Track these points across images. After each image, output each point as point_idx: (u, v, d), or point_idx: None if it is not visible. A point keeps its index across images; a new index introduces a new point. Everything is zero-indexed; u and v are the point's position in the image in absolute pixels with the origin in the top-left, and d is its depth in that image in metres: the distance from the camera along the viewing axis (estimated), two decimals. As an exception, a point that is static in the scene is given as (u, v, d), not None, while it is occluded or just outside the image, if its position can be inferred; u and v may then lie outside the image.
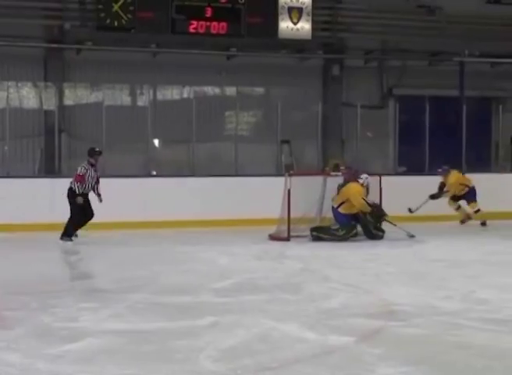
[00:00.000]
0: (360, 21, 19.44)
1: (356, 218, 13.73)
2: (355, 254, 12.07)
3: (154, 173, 17.12)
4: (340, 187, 13.99)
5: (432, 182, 16.08)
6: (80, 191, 13.35)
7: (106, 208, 13.28)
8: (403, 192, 15.35)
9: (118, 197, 14.21)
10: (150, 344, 6.31)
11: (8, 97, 16.96)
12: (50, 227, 14.22)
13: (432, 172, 16.85)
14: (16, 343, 6.28)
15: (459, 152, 18.53)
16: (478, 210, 15.94)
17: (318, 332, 6.65)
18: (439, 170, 16.12)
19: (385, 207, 14.07)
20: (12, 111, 16.81)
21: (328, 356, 5.99)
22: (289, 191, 13.72)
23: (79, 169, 13.59)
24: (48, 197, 14.76)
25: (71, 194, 13.39)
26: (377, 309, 7.76)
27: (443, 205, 15.94)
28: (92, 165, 13.67)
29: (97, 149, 13.99)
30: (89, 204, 13.48)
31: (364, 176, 14.01)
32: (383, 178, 14.79)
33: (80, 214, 13.39)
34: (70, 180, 13.55)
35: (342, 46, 19.88)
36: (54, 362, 5.74)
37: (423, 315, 7.39)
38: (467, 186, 16.08)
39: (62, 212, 13.64)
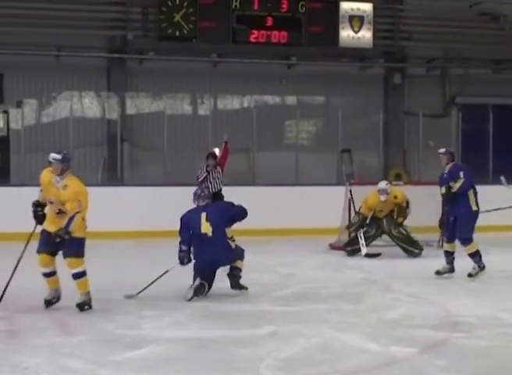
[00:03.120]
0: (422, 29, 19.27)
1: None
2: (418, 264, 11.93)
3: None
4: None
5: (495, 192, 15.79)
6: None
7: (167, 216, 13.31)
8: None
9: (178, 205, 14.23)
10: (211, 352, 6.32)
11: (71, 106, 17.19)
12: (113, 235, 14.37)
13: (495, 182, 16.57)
14: (79, 349, 6.34)
15: (523, 162, 18.23)
16: None
17: (379, 343, 6.59)
18: None
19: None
20: (76, 120, 17.02)
21: (390, 367, 5.93)
22: (349, 201, 13.64)
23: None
24: (111, 205, 14.89)
25: None
26: (440, 320, 7.67)
27: (505, 216, 15.64)
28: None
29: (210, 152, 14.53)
30: None
31: (383, 183, 13.37)
32: (446, 187, 14.58)
33: None
34: (132, 188, 13.70)
35: (403, 54, 19.74)
36: (116, 369, 5.78)
37: (487, 326, 7.28)
38: None
39: (125, 221, 13.76)
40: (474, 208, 10.39)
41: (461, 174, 10.47)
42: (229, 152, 14.39)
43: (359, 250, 12.76)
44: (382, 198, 12.80)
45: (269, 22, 17.98)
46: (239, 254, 9.27)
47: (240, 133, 17.58)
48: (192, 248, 9.07)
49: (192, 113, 18.97)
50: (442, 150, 10.83)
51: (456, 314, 7.91)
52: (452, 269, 10.48)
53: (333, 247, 13.65)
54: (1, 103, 17.78)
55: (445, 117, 19.93)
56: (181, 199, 14.76)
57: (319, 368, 5.86)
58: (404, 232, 12.90)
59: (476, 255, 10.33)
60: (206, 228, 8.99)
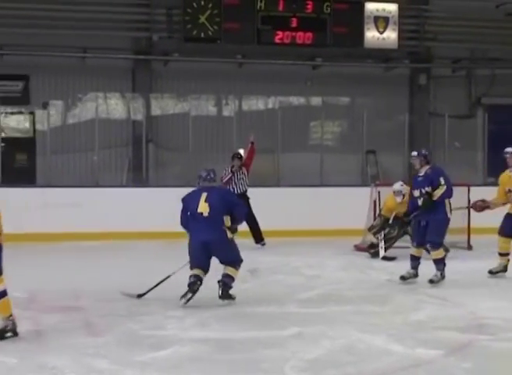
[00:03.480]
0: (448, 29, 19.18)
1: None
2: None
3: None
4: None
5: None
6: None
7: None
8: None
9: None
10: (235, 353, 6.33)
11: (97, 107, 17.26)
12: (138, 236, 14.43)
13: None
14: (105, 350, 6.37)
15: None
16: None
17: (405, 345, 6.57)
18: None
19: (474, 218, 13.76)
20: (101, 121, 17.08)
21: (416, 369, 5.91)
22: (375, 202, 13.61)
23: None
24: (136, 206, 14.95)
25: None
26: (466, 322, 7.62)
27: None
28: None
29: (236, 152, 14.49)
30: None
31: (398, 184, 13.24)
32: (471, 189, 14.50)
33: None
34: (157, 189, 13.73)
35: (429, 55, 19.66)
36: (142, 370, 5.80)
37: (513, 329, 7.24)
38: None
39: (149, 221, 13.79)
40: (449, 215, 10.12)
41: (442, 180, 9.96)
42: (254, 153, 14.36)
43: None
44: (398, 199, 12.66)
45: (294, 23, 17.97)
46: (236, 257, 8.75)
47: (264, 134, 17.57)
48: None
49: (217, 114, 18.99)
50: (415, 153, 10.31)
51: (482, 316, 7.86)
52: (416, 275, 10.11)
53: (358, 248, 13.62)
54: (27, 104, 17.90)
55: (471, 118, 19.84)
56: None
57: (344, 369, 5.85)
58: None
59: (441, 263, 9.98)
60: (203, 208, 8.56)
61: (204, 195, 8.65)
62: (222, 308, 8.25)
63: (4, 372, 5.78)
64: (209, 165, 14.34)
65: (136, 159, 17.82)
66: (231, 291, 8.57)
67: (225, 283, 8.55)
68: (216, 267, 8.71)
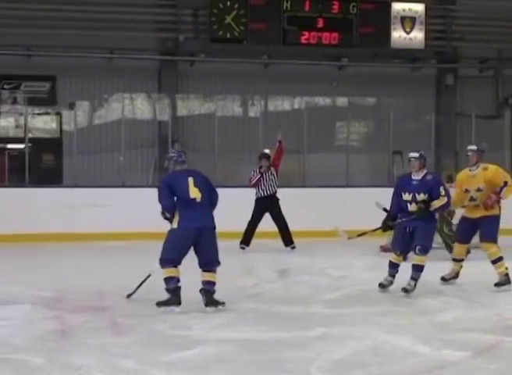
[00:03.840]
0: (475, 29, 19.11)
1: None
2: (470, 267, 11.78)
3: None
4: None
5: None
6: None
7: (219, 218, 13.29)
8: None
9: (229, 207, 14.23)
10: (261, 353, 6.32)
11: (123, 108, 17.34)
12: (163, 236, 14.43)
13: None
14: (131, 350, 6.38)
15: None
16: None
17: (431, 346, 6.52)
18: None
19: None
20: (127, 122, 17.15)
21: (442, 371, 5.87)
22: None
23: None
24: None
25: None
26: (493, 324, 7.57)
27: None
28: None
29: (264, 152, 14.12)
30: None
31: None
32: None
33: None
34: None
35: (456, 55, 19.59)
36: (167, 370, 5.81)
37: (541, 330, 7.18)
38: None
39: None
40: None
41: (442, 191, 9.34)
42: (283, 152, 14.04)
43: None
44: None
45: (320, 23, 17.98)
46: (216, 257, 8.28)
47: (290, 134, 17.53)
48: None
49: (242, 115, 19.02)
50: (416, 154, 9.58)
51: (509, 318, 7.81)
52: (392, 283, 9.57)
53: (384, 249, 13.55)
54: (54, 105, 18.04)
55: (498, 118, 19.71)
56: (232, 201, 14.84)
57: (370, 370, 5.82)
58: (452, 232, 12.80)
59: (420, 271, 9.33)
60: (195, 193, 8.15)
61: (191, 180, 8.24)
62: (247, 308, 8.23)
63: (30, 371, 5.81)
64: (235, 166, 14.51)
65: (162, 160, 17.80)
66: (217, 297, 8.21)
67: (208, 290, 8.14)
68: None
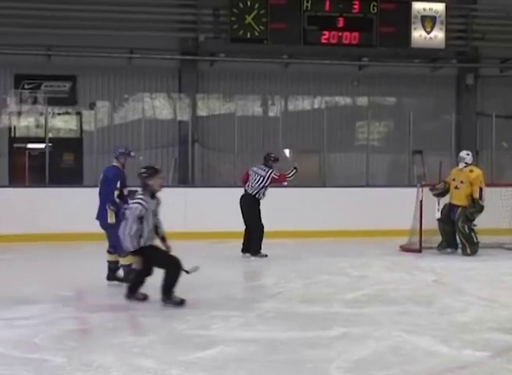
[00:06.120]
0: (496, 29, 19.03)
1: None
2: (490, 267, 11.74)
3: (285, 183, 17.16)
4: None
5: None
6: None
7: (238, 218, 13.29)
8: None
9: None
10: (281, 353, 6.31)
11: (143, 108, 17.38)
12: (182, 236, 14.43)
13: None
14: (151, 349, 6.40)
15: None
16: None
17: (451, 346, 6.50)
18: None
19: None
20: (148, 122, 17.21)
21: (462, 371, 5.85)
22: (421, 202, 13.50)
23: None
24: (182, 206, 14.99)
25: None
26: (513, 324, 7.53)
27: None
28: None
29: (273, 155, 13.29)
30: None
31: (464, 151, 13.83)
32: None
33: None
34: (203, 189, 13.60)
35: (476, 55, 19.50)
36: (187, 369, 5.82)
37: (562, 331, 7.13)
38: None
39: (195, 221, 13.78)
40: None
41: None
42: (282, 182, 13.39)
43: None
44: (460, 165, 13.42)
45: (340, 23, 17.96)
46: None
47: (310, 134, 17.59)
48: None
49: (262, 115, 19.03)
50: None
51: (530, 318, 7.77)
52: None
53: (404, 249, 13.53)
54: (74, 105, 18.12)
55: (518, 118, 19.61)
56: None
57: (390, 370, 5.81)
58: (467, 230, 12.78)
59: None
60: None
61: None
62: (266, 308, 8.23)
63: (51, 370, 5.84)
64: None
65: (182, 159, 17.91)
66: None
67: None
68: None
